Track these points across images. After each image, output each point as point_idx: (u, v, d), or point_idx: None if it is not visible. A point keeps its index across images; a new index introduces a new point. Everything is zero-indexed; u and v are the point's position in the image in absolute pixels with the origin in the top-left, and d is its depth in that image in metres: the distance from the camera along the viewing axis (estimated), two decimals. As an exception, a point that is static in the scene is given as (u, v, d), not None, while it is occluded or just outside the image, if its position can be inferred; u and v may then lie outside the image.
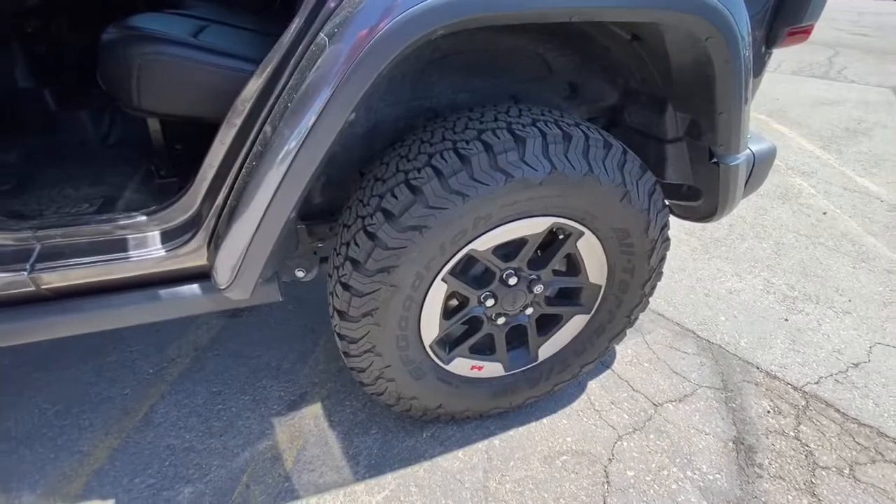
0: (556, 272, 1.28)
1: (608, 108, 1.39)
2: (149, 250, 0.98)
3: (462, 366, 1.29)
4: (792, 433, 1.44)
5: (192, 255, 1.00)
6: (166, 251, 0.98)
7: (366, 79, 0.76)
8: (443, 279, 1.10)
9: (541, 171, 0.98)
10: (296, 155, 0.81)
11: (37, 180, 1.24)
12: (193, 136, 1.27)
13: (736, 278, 2.10)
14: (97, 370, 1.56)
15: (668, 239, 1.25)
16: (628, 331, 1.43)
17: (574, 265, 1.27)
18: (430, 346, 1.21)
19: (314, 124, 0.79)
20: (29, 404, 1.43)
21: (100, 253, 0.96)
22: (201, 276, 1.03)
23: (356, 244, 1.00)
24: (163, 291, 1.01)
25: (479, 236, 1.05)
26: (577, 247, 1.20)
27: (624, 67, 1.25)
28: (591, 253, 1.22)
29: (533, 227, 1.11)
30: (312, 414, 1.45)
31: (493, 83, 1.27)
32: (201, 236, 0.98)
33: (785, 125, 3.86)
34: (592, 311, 1.34)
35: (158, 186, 1.21)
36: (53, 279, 0.94)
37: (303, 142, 0.80)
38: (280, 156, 0.83)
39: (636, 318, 1.40)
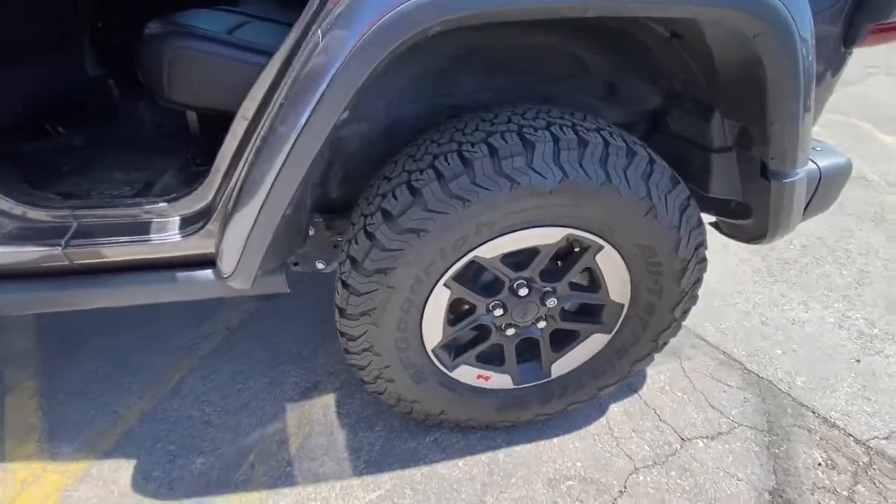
0: (573, 286, 1.20)
1: (649, 111, 1.27)
2: (167, 234, 1.04)
3: (467, 374, 1.25)
4: (845, 493, 1.25)
5: (206, 243, 1.04)
6: (182, 237, 1.03)
7: (355, 79, 0.75)
8: (445, 284, 1.06)
9: (550, 178, 0.91)
10: (288, 154, 0.82)
11: (94, 163, 1.36)
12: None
13: (802, 307, 1.86)
14: (144, 339, 1.70)
15: (704, 260, 1.13)
16: (664, 354, 1.31)
17: (594, 280, 1.18)
18: (433, 351, 1.18)
19: (305, 124, 0.79)
20: (85, 363, 1.59)
21: (126, 234, 1.03)
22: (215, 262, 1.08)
23: (356, 242, 0.99)
24: (180, 274, 1.07)
25: (483, 243, 1.01)
26: (596, 261, 1.11)
27: (666, 68, 1.13)
28: (613, 269, 1.13)
29: (544, 237, 1.04)
30: (323, 403, 1.48)
31: (521, 82, 1.20)
32: (214, 225, 1.02)
33: (893, 135, 3.35)
34: (613, 331, 1.24)
35: (192, 174, 1.28)
36: (84, 255, 1.02)
37: (294, 141, 0.80)
38: (274, 153, 0.84)
39: (665, 343, 1.28)
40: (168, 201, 1.05)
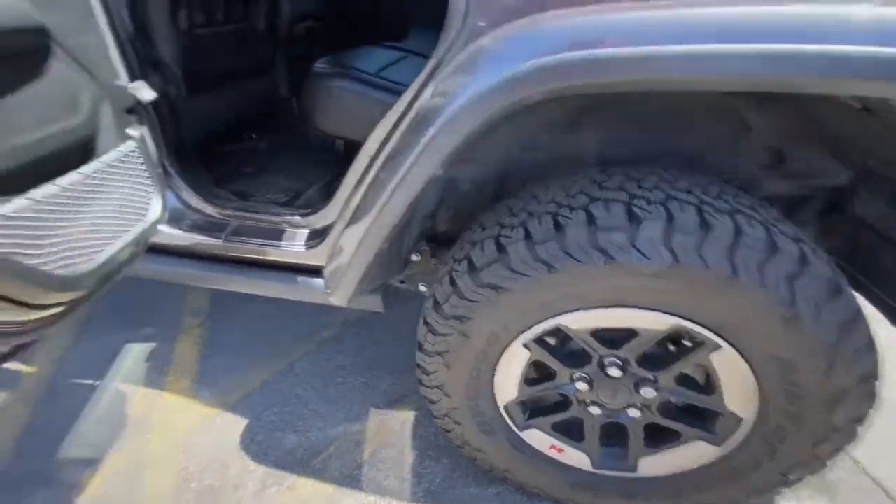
0: (682, 379, 1.02)
1: (830, 187, 1.01)
2: (294, 244, 1.20)
3: (540, 440, 1.17)
4: None
5: (322, 257, 1.17)
6: (305, 248, 1.18)
7: (450, 143, 0.76)
8: (525, 345, 1.01)
9: (656, 260, 0.79)
10: (386, 201, 0.87)
11: (268, 168, 1.65)
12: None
13: None
14: (280, 315, 1.98)
15: (872, 395, 0.85)
16: (813, 486, 1.03)
17: (709, 380, 0.99)
18: (505, 407, 1.13)
19: (403, 175, 0.83)
20: (236, 326, 1.94)
21: (266, 237, 1.23)
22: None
23: (441, 284, 1.01)
24: (299, 279, 1.23)
25: (569, 312, 0.92)
26: (710, 360, 0.93)
27: (855, 142, 0.88)
28: (733, 375, 0.93)
29: (645, 321, 0.91)
30: (403, 418, 1.54)
31: (661, 138, 1.07)
32: (330, 241, 1.15)
33: None
34: (726, 448, 1.02)
35: (331, 192, 1.45)
36: (235, 249, 1.24)
37: (392, 191, 0.85)
38: (379, 191, 0.90)
39: (798, 480, 1.01)
40: (301, 215, 1.21)
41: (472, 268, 0.93)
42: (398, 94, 1.16)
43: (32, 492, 1.35)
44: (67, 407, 1.58)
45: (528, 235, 0.87)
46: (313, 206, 1.28)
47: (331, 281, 1.09)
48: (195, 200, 1.26)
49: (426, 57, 1.54)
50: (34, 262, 0.72)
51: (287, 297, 1.26)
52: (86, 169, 0.82)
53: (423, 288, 1.38)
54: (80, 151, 0.81)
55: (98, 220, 0.85)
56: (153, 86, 1.06)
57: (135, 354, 1.80)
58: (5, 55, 0.65)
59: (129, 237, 0.92)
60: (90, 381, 1.68)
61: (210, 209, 1.26)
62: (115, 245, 0.88)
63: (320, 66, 1.24)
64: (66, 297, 0.79)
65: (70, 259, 0.79)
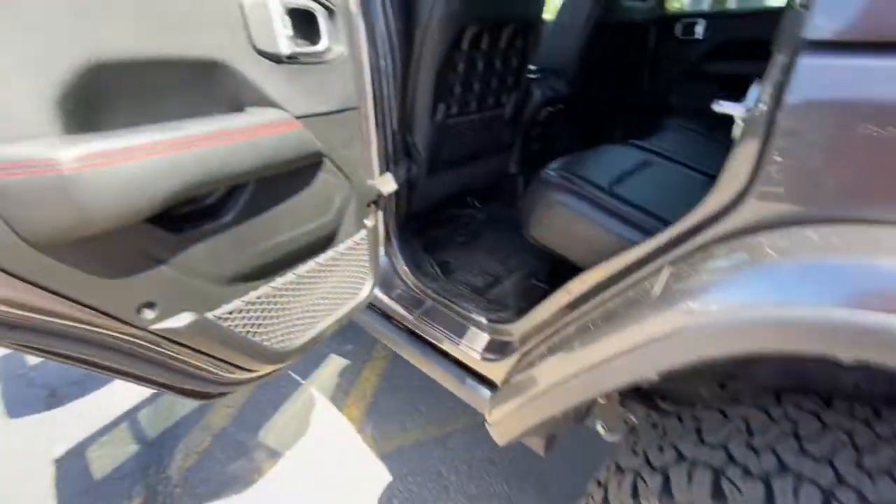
0: None
1: None
2: (471, 348, 1.14)
3: None
4: None
5: (496, 373, 1.09)
6: (480, 357, 1.12)
7: (681, 358, 0.56)
8: None
9: None
10: (574, 374, 0.71)
11: (479, 242, 1.66)
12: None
13: None
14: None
15: None
16: None
17: None
18: None
19: (604, 359, 0.66)
20: (413, 371, 1.99)
21: (446, 328, 1.21)
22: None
23: (620, 479, 0.79)
24: (469, 381, 1.17)
25: None
26: None
27: None
28: None
29: None
30: (536, 561, 1.34)
31: None
32: (507, 363, 1.05)
33: None
34: None
35: (528, 288, 1.36)
36: (421, 328, 1.27)
37: (586, 368, 0.69)
38: (565, 358, 0.75)
39: None
40: (488, 319, 1.15)
41: (667, 493, 0.70)
42: (625, 220, 0.99)
43: (233, 459, 1.66)
44: (278, 393, 1.91)
45: (769, 497, 0.59)
46: (503, 306, 1.21)
47: (496, 415, 0.98)
48: (403, 269, 1.33)
49: (674, 161, 1.31)
50: (260, 339, 0.83)
51: (452, 391, 1.22)
52: (321, 257, 0.92)
53: (600, 429, 1.16)
54: (322, 243, 0.91)
55: (317, 300, 0.94)
56: (399, 171, 1.13)
57: (332, 366, 2.07)
58: (285, 174, 0.76)
59: (337, 315, 1.00)
60: (297, 377, 1.99)
61: (412, 281, 1.32)
62: (325, 322, 0.97)
63: (549, 172, 1.16)
64: (277, 367, 0.90)
65: (287, 336, 0.89)
